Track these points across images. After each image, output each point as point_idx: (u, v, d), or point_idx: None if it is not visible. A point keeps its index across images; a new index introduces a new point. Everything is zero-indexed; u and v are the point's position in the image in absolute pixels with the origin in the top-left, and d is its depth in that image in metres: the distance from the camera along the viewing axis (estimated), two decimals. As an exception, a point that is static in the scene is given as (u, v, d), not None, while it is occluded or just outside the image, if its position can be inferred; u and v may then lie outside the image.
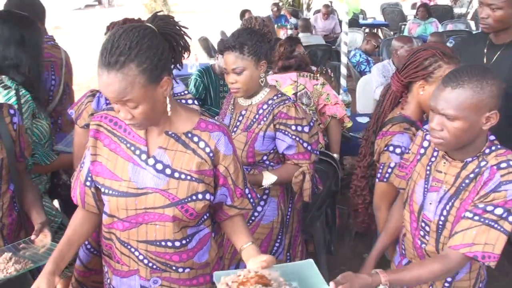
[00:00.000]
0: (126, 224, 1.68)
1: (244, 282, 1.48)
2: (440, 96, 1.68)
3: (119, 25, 2.16)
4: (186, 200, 1.64)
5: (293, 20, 10.96)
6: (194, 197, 1.65)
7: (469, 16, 13.66)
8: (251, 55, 2.34)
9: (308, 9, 13.80)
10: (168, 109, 1.59)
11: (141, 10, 21.73)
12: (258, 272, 1.51)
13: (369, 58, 6.92)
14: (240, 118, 2.47)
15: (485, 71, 1.69)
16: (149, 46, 1.48)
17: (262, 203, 2.47)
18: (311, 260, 1.68)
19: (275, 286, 1.48)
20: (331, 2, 11.56)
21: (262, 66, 2.38)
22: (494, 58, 2.69)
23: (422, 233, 1.89)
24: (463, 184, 1.77)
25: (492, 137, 1.80)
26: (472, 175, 1.76)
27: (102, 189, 1.69)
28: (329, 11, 10.61)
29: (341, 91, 4.68)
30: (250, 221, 2.47)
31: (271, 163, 2.46)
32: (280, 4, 12.76)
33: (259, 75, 2.39)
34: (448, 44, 6.85)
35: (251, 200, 1.84)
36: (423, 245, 1.89)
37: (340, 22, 10.49)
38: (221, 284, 1.51)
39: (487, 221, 1.68)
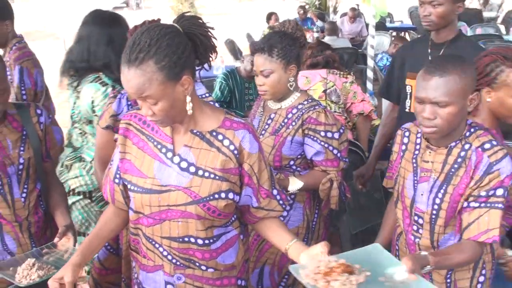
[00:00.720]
0: (150, 220, 1.70)
1: (328, 272, 1.50)
2: (428, 86, 1.76)
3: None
4: (208, 198, 1.65)
5: (319, 23, 10.92)
6: (216, 196, 1.65)
7: (499, 20, 13.41)
8: (280, 58, 2.33)
9: (335, 12, 13.75)
10: (188, 108, 1.61)
11: (168, 12, 21.92)
12: (337, 261, 1.54)
13: (397, 62, 6.83)
14: (269, 122, 2.45)
15: (461, 58, 1.83)
16: (169, 44, 1.51)
17: (287, 208, 2.43)
18: (377, 244, 1.71)
19: (357, 273, 1.50)
20: (357, 5, 11.48)
21: (291, 70, 2.37)
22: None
23: (415, 227, 1.95)
24: (453, 170, 1.86)
25: (469, 121, 1.91)
26: (459, 160, 1.85)
27: (129, 186, 1.72)
28: (355, 14, 10.54)
29: (367, 95, 4.64)
30: (276, 226, 2.45)
31: (298, 168, 2.44)
32: (307, 7, 12.72)
33: (287, 78, 2.37)
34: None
35: (281, 202, 1.80)
36: (417, 240, 1.94)
37: (367, 25, 10.48)
38: (305, 277, 1.51)
39: (494, 205, 1.78)
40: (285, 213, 2.43)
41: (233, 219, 1.78)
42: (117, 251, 2.43)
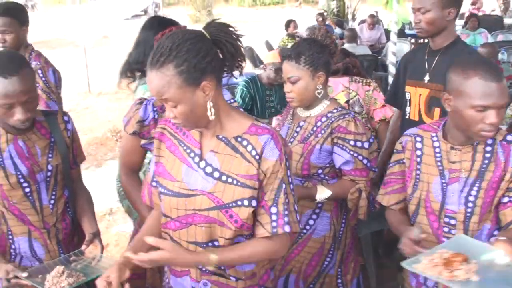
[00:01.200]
0: (177, 224, 1.71)
1: (447, 263, 1.63)
2: (493, 92, 1.78)
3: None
4: (230, 205, 1.64)
5: (338, 30, 10.89)
6: (239, 203, 1.63)
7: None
8: (307, 65, 2.32)
9: (353, 19, 13.71)
10: (209, 113, 1.60)
11: (186, 20, 22.08)
12: (449, 252, 1.67)
13: (418, 69, 6.76)
14: (298, 129, 2.44)
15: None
16: (189, 49, 1.53)
17: (314, 216, 2.42)
18: (462, 235, 1.81)
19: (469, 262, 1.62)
20: (376, 12, 11.45)
21: (319, 78, 2.35)
22: (434, 64, 2.68)
23: (446, 229, 1.95)
24: (484, 166, 1.90)
25: None
26: (488, 155, 1.91)
27: (160, 189, 1.75)
28: (374, 21, 10.51)
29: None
30: (302, 234, 2.42)
31: (326, 177, 2.41)
32: (325, 14, 12.70)
33: (315, 86, 2.36)
34: (500, 55, 6.65)
35: (273, 224, 1.64)
36: None
37: (386, 32, 10.45)
38: (425, 270, 1.63)
39: None
40: (311, 222, 2.42)
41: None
42: None
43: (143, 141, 2.32)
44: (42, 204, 2.14)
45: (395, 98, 2.99)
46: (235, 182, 1.64)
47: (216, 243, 1.68)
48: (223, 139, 1.68)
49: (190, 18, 21.79)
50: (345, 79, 3.52)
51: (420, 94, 2.72)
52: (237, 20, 21.27)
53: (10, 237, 2.15)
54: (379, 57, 8.62)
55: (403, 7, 4.99)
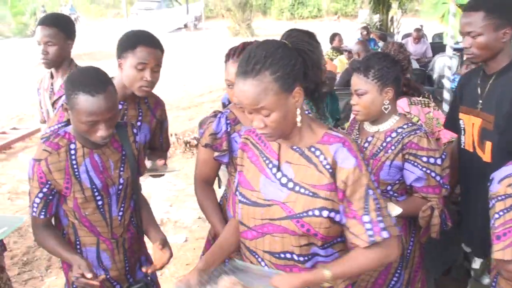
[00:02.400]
0: (254, 233, 1.72)
1: None
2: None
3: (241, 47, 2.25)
4: (301, 214, 1.62)
5: (381, 43, 10.76)
6: (310, 213, 1.61)
7: None
8: (376, 80, 2.27)
9: (397, 32, 13.55)
10: (298, 119, 1.62)
11: (225, 33, 22.30)
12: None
13: (469, 84, 6.59)
14: (366, 145, 2.37)
15: None
16: (282, 56, 1.54)
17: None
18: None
19: None
20: (421, 25, 11.28)
21: (387, 93, 2.29)
22: (486, 90, 2.42)
23: None
24: None
25: None
26: None
27: (239, 197, 1.78)
28: (420, 35, 10.33)
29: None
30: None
31: (395, 194, 2.34)
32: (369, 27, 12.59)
33: (382, 101, 2.30)
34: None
35: (369, 233, 1.59)
36: None
37: (433, 45, 10.28)
38: None
39: None
40: None
41: (335, 241, 1.69)
42: None
43: (216, 154, 2.32)
44: (111, 216, 2.16)
45: (453, 123, 2.71)
46: (307, 192, 1.63)
47: (288, 255, 1.67)
48: (297, 149, 1.68)
49: (230, 31, 22.00)
50: (404, 102, 3.32)
51: (473, 124, 2.47)
52: (276, 33, 21.34)
53: (78, 247, 2.17)
54: (426, 71, 8.47)
55: (459, 21, 4.85)
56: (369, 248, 1.61)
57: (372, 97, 2.29)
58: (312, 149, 1.66)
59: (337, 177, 1.60)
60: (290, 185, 1.66)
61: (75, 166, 2.06)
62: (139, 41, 2.35)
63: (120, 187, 2.16)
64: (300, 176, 1.65)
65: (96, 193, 2.10)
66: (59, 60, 2.96)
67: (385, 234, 1.60)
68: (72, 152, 2.07)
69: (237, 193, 1.80)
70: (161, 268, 2.16)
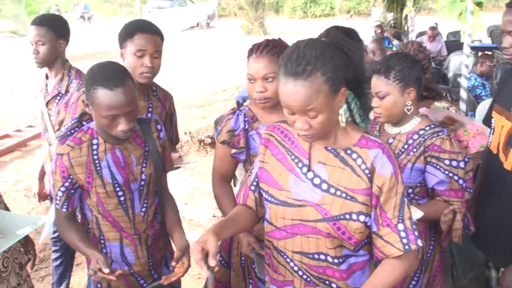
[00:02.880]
0: (282, 233, 1.70)
1: None
2: None
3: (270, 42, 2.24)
4: (338, 217, 1.60)
5: (395, 42, 10.68)
6: (347, 216, 1.60)
7: None
8: (397, 81, 2.22)
9: (411, 31, 13.44)
10: (343, 120, 1.61)
11: (237, 31, 22.29)
12: None
13: (485, 82, 6.53)
14: None
15: None
16: (332, 57, 1.52)
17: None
18: None
19: None
20: (436, 24, 11.19)
21: (409, 94, 2.25)
22: None
23: None
24: None
25: None
26: None
27: (265, 195, 1.76)
28: (435, 34, 10.26)
29: (471, 119, 4.37)
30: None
31: (416, 197, 2.31)
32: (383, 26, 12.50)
33: (404, 102, 2.25)
34: None
35: (404, 241, 1.59)
36: None
37: (448, 44, 10.20)
38: None
39: None
40: None
41: (363, 243, 1.68)
42: (228, 264, 2.47)
43: (233, 151, 2.33)
44: (134, 211, 2.17)
45: (490, 120, 2.55)
46: (344, 195, 1.61)
47: (322, 256, 1.66)
48: (332, 150, 1.65)
49: (243, 30, 21.98)
50: (423, 108, 3.29)
51: (503, 126, 2.35)
52: (289, 31, 21.32)
53: (102, 241, 2.19)
54: (441, 70, 8.40)
55: (477, 19, 4.82)
56: (399, 258, 1.61)
57: (394, 98, 2.24)
58: (349, 152, 1.63)
59: (374, 182, 1.59)
60: (324, 186, 1.64)
61: (96, 161, 2.07)
62: (137, 29, 2.40)
63: (142, 183, 2.16)
64: (335, 178, 1.63)
65: (118, 188, 2.10)
66: (50, 59, 2.96)
67: (420, 243, 1.61)
68: (94, 147, 2.08)
69: (261, 191, 1.79)
70: (177, 279, 2.07)
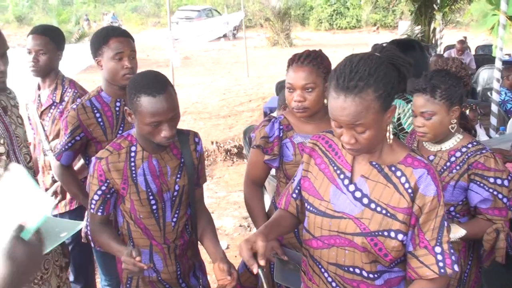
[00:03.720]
0: (319, 243, 1.70)
1: None
2: None
3: (310, 54, 2.25)
4: (376, 233, 1.59)
5: (423, 55, 10.61)
6: (386, 233, 1.58)
7: None
8: (443, 100, 2.18)
9: (438, 44, 13.35)
10: (391, 137, 1.61)
11: (263, 43, 22.38)
12: None
13: (516, 96, 6.42)
14: None
15: None
16: (385, 74, 1.50)
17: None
18: None
19: None
20: (465, 37, 11.09)
21: (454, 112, 2.21)
22: None
23: None
24: None
25: None
26: None
27: (305, 204, 1.77)
28: (464, 47, 10.15)
29: (501, 132, 4.34)
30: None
31: (457, 215, 2.27)
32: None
33: (450, 121, 2.21)
34: None
35: (440, 264, 1.57)
36: None
37: (476, 58, 10.07)
38: None
39: None
40: None
41: (399, 260, 1.66)
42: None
43: (266, 157, 2.35)
44: (165, 221, 2.18)
45: None
46: (384, 211, 1.60)
47: (357, 270, 1.64)
48: (376, 166, 1.64)
49: (268, 41, 22.05)
50: None
51: None
52: (314, 44, 21.34)
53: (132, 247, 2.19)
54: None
55: (509, 32, 4.78)
56: (431, 280, 1.60)
57: (441, 118, 2.19)
58: (393, 169, 1.62)
59: (415, 202, 1.58)
60: (365, 201, 1.62)
61: (133, 168, 2.10)
62: (109, 35, 2.50)
63: (175, 193, 2.17)
64: (377, 194, 1.62)
65: (151, 197, 2.12)
66: (48, 69, 2.98)
67: (456, 267, 1.59)
68: (132, 154, 2.11)
69: (302, 199, 1.80)
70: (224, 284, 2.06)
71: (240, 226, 5.09)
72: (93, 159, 2.12)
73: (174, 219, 2.20)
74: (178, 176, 2.17)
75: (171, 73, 8.58)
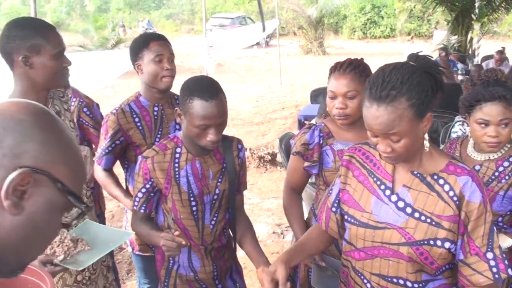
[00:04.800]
0: (362, 254, 1.71)
1: None
2: None
3: (352, 63, 2.26)
4: (422, 242, 1.59)
5: (459, 65, 10.46)
6: (431, 242, 1.58)
7: None
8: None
9: (475, 54, 13.14)
10: (427, 145, 1.61)
11: (296, 51, 22.39)
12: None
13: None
14: None
15: None
16: (419, 82, 1.51)
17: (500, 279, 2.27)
18: None
19: None
20: (503, 48, 10.89)
21: None
22: None
23: None
24: None
25: None
26: None
27: (345, 216, 1.77)
28: (502, 58, 9.98)
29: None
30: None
31: (505, 226, 2.26)
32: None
33: None
34: None
35: (494, 270, 1.57)
36: None
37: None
38: None
39: None
40: None
41: (444, 268, 1.65)
42: (293, 278, 2.50)
43: (306, 164, 2.37)
44: (204, 223, 2.23)
45: None
46: (428, 220, 1.60)
47: (400, 281, 1.65)
48: (418, 175, 1.64)
49: (301, 49, 22.05)
50: None
51: None
52: (348, 52, 21.22)
53: None
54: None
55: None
56: (486, 287, 1.58)
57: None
58: (435, 177, 1.62)
59: (462, 210, 1.57)
60: (409, 210, 1.62)
61: (176, 169, 2.15)
62: (149, 39, 2.61)
63: (215, 197, 2.22)
64: (420, 203, 1.61)
65: (192, 198, 2.17)
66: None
67: (510, 271, 1.57)
68: (177, 155, 2.17)
69: (342, 212, 1.80)
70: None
71: (274, 233, 5.09)
72: (140, 157, 2.19)
73: (213, 222, 2.24)
74: (220, 180, 2.22)
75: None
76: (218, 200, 2.24)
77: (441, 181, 1.60)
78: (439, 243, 1.58)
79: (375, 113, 1.51)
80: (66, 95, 2.35)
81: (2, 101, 0.92)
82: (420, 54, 1.62)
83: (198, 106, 2.00)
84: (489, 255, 1.58)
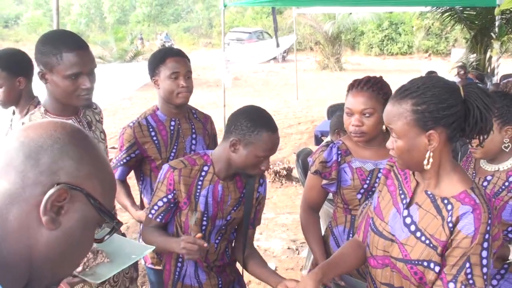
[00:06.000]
0: (375, 262, 1.75)
1: None
2: None
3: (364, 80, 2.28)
4: (416, 262, 1.60)
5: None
6: (425, 264, 1.58)
7: None
8: (495, 118, 2.16)
9: (493, 73, 13.05)
10: (426, 163, 1.57)
11: (313, 66, 22.44)
12: None
13: None
14: (485, 184, 2.30)
15: None
16: (434, 95, 1.53)
17: (498, 277, 2.25)
18: None
19: None
20: (523, 67, 10.81)
21: (507, 131, 2.22)
22: None
23: None
24: None
25: None
26: None
27: (370, 221, 1.81)
28: (522, 77, 9.91)
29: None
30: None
31: None
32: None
33: (502, 140, 2.23)
34: None
35: None
36: None
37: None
38: None
39: None
40: (494, 282, 2.25)
41: None
42: None
43: (324, 182, 2.37)
44: (210, 242, 2.22)
45: None
46: (427, 242, 1.59)
47: None
48: (431, 196, 1.64)
49: (318, 64, 22.09)
50: None
51: None
52: (364, 68, 21.23)
53: (180, 259, 2.26)
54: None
55: None
56: None
57: (492, 136, 2.19)
58: (445, 201, 1.59)
59: (451, 237, 1.55)
60: (413, 228, 1.63)
61: (199, 187, 2.15)
62: (166, 55, 2.59)
63: (225, 222, 2.23)
64: (424, 223, 1.61)
65: (205, 218, 2.18)
66: (12, 99, 2.75)
67: None
68: (203, 173, 2.16)
69: (370, 218, 1.84)
70: None
71: (289, 248, 5.07)
72: (166, 166, 2.17)
73: (217, 241, 2.26)
74: (235, 208, 2.23)
75: (223, 93, 8.69)
76: (227, 225, 2.26)
77: (449, 207, 1.58)
78: (432, 265, 1.57)
79: (386, 108, 1.63)
80: (98, 107, 2.37)
81: (42, 121, 0.95)
82: (476, 84, 1.63)
83: (267, 138, 2.01)
84: (451, 285, 1.54)
